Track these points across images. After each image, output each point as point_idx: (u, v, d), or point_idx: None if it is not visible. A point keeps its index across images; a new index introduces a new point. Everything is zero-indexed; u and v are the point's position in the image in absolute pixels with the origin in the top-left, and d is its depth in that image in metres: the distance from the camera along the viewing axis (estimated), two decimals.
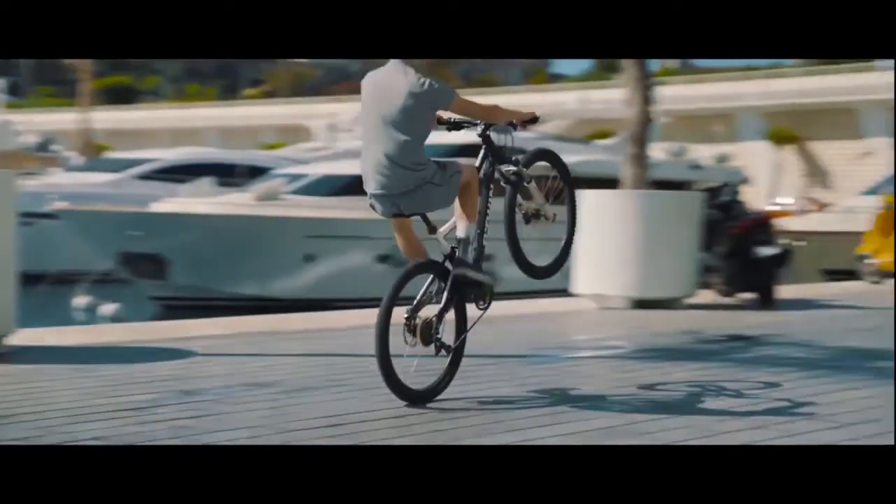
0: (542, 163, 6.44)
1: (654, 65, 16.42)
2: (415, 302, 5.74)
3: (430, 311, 5.76)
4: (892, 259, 16.24)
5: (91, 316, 19.12)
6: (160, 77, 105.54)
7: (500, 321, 8.82)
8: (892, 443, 5.16)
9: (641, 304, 11.20)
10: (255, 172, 27.12)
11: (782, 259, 12.16)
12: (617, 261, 11.29)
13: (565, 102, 36.77)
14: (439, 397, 5.88)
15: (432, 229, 5.95)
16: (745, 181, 27.77)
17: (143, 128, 70.64)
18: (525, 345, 8.40)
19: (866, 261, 16.80)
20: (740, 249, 11.95)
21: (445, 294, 5.84)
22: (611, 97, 30.32)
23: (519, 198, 6.18)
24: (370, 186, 5.79)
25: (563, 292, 11.73)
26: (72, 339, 8.20)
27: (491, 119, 6.06)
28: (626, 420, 5.59)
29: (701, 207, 11.85)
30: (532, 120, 6.17)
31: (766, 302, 11.94)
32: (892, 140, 41.19)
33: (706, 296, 11.93)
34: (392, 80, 5.72)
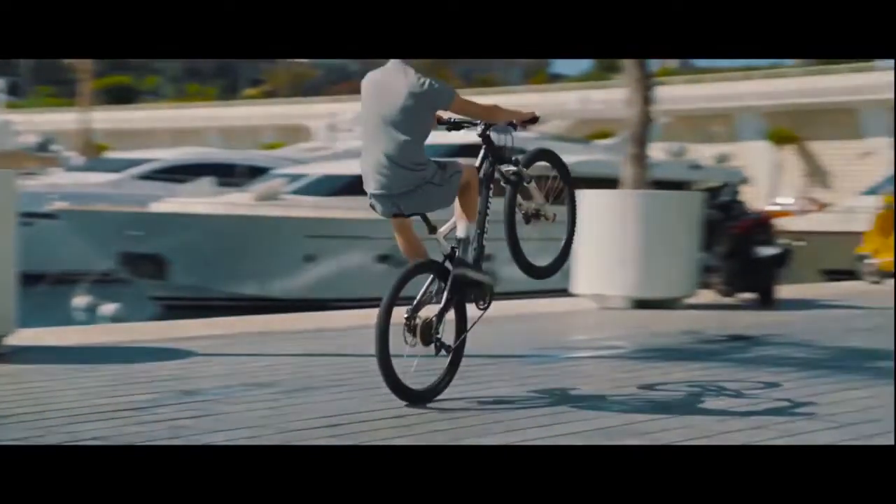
0: (542, 163, 6.44)
1: (654, 65, 16.41)
2: (415, 302, 5.74)
3: (430, 311, 5.76)
4: (892, 259, 16.23)
5: (91, 316, 19.11)
6: (160, 77, 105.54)
7: (500, 321, 8.82)
8: (892, 443, 5.16)
9: (641, 304, 11.19)
10: (255, 172, 27.15)
11: (782, 259, 12.16)
12: (617, 261, 11.28)
13: (565, 102, 36.72)
14: (439, 397, 5.88)
15: (432, 229, 5.96)
16: (745, 181, 27.77)
17: (143, 128, 70.57)
18: (525, 345, 8.40)
19: (866, 261, 16.79)
20: (740, 249, 11.95)
21: (445, 294, 5.84)
22: (611, 97, 30.35)
23: (519, 198, 6.18)
24: (370, 186, 5.79)
25: (563, 292, 11.73)
26: (72, 339, 8.20)
27: (491, 119, 6.05)
28: (626, 420, 5.59)
29: (701, 207, 11.85)
30: (532, 120, 6.17)
31: (766, 302, 11.94)
32: (892, 140, 41.12)
33: (706, 296, 11.93)
34: (392, 80, 5.72)
